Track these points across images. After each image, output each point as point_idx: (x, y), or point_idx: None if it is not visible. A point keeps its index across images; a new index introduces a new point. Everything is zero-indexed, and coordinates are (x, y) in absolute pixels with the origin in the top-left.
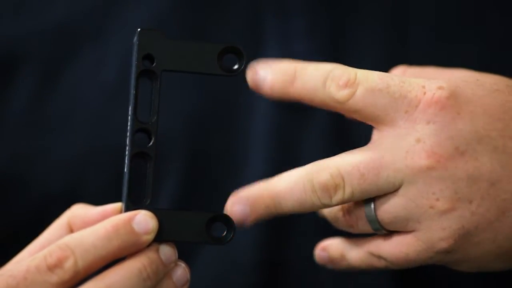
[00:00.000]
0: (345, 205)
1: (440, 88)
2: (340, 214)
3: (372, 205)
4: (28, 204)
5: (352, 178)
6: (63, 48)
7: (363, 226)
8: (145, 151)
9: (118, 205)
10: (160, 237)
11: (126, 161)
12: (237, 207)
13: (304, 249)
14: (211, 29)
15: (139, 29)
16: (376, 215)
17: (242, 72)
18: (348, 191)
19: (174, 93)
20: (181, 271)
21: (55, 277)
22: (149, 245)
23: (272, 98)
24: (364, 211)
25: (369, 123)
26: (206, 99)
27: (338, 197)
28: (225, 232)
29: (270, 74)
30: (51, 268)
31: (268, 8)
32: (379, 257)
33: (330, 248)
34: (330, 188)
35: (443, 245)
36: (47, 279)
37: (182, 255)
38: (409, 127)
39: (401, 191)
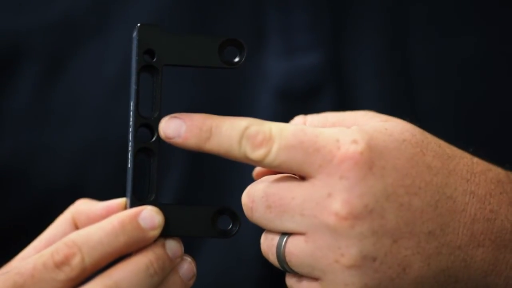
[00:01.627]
0: (266, 233)
1: (354, 142)
2: (263, 240)
3: (284, 240)
4: (31, 198)
5: (259, 203)
6: (66, 42)
7: (273, 261)
8: (149, 146)
9: (122, 200)
10: (166, 232)
11: (129, 156)
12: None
13: None
14: (212, 23)
15: (138, 24)
16: (284, 254)
17: (243, 64)
18: (255, 214)
19: (175, 86)
20: (188, 266)
21: (62, 275)
22: (155, 241)
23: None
24: (273, 244)
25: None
26: (207, 91)
27: (250, 216)
28: (230, 225)
29: (184, 130)
30: (58, 265)
31: (269, 1)
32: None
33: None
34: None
35: None
36: (54, 277)
37: (187, 249)
38: (323, 181)
39: (310, 238)
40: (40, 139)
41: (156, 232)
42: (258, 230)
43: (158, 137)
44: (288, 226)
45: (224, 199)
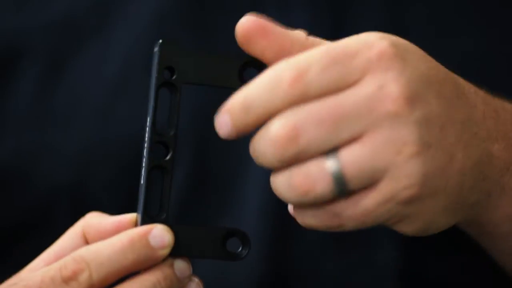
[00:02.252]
0: (300, 165)
1: (381, 38)
2: (295, 178)
3: (337, 158)
4: (33, 198)
5: (307, 124)
6: (66, 42)
7: (323, 189)
8: (163, 164)
9: (133, 216)
10: (175, 252)
11: (143, 173)
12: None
13: (309, 242)
14: (212, 23)
15: (160, 41)
16: (340, 169)
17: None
18: (304, 139)
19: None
20: (195, 287)
21: None
22: (164, 260)
23: None
24: (324, 167)
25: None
26: (214, 92)
27: (295, 146)
28: (240, 248)
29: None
30: (66, 280)
31: (269, 1)
32: (334, 214)
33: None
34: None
35: (406, 194)
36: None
37: None
38: (370, 78)
39: (366, 140)
40: (41, 139)
41: (165, 251)
42: (258, 231)
43: (173, 155)
44: (345, 135)
45: (228, 199)
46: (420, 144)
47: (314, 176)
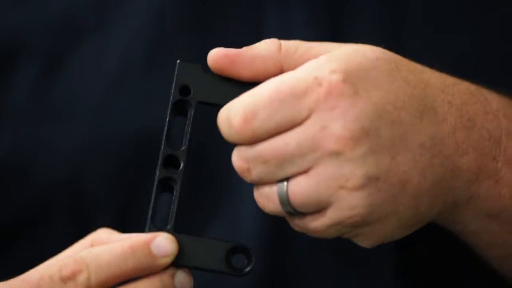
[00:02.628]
0: (259, 186)
1: (332, 72)
2: (255, 194)
3: (285, 185)
4: (31, 196)
5: (254, 163)
6: (65, 39)
7: (275, 208)
8: (173, 176)
9: (141, 235)
10: (178, 262)
11: (154, 185)
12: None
13: (306, 241)
14: (211, 21)
15: (178, 61)
16: (288, 196)
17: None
18: (254, 173)
19: None
20: None
21: None
22: (165, 269)
23: None
24: (274, 191)
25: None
26: None
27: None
28: (245, 263)
29: None
30: (64, 279)
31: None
32: (296, 225)
33: None
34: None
35: (352, 221)
36: None
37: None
38: (315, 118)
39: (311, 173)
40: (39, 136)
41: (167, 260)
42: (256, 229)
43: (183, 169)
44: (289, 171)
45: (223, 196)
46: (364, 179)
47: (266, 196)
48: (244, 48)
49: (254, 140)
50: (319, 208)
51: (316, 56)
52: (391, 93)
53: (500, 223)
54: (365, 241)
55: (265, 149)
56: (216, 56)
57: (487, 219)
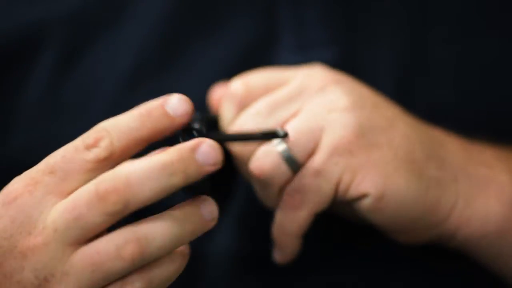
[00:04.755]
0: (255, 158)
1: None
2: (251, 164)
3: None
4: None
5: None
6: (79, 36)
7: (273, 164)
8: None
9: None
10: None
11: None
12: None
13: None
14: (226, 19)
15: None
16: (284, 145)
17: None
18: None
19: (192, 84)
20: (210, 207)
21: (91, 155)
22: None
23: None
24: (271, 145)
25: None
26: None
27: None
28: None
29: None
30: (88, 147)
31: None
32: (294, 191)
33: None
34: None
35: (345, 141)
36: (83, 157)
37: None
38: (298, 73)
39: (300, 113)
40: (51, 133)
41: (183, 120)
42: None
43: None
44: (281, 116)
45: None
46: (349, 101)
47: (264, 156)
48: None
49: (250, 98)
50: (314, 141)
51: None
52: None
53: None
54: (366, 178)
55: (257, 103)
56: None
57: (503, 220)
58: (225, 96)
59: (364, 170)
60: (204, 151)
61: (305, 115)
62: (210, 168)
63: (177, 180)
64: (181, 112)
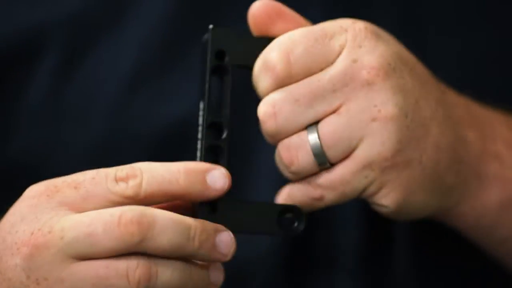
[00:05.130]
0: (285, 139)
1: (354, 22)
2: (280, 150)
3: (315, 129)
4: None
5: (284, 103)
6: (81, 38)
7: (304, 160)
8: (219, 144)
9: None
10: (232, 228)
11: (198, 154)
12: None
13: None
14: (227, 19)
15: (211, 26)
16: (320, 139)
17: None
18: (280, 117)
19: (188, 78)
20: (218, 273)
21: (117, 187)
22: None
23: None
24: (304, 139)
25: None
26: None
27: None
28: (296, 223)
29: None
30: (118, 179)
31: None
32: (317, 185)
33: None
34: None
35: (381, 159)
36: (110, 186)
37: None
38: (344, 55)
39: (342, 111)
40: (53, 135)
41: (217, 193)
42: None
43: (228, 134)
44: (321, 109)
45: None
46: (396, 110)
47: (296, 148)
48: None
49: (289, 77)
50: (350, 148)
51: None
52: (405, 51)
53: None
54: (390, 196)
55: (297, 87)
56: (262, 7)
57: (500, 209)
58: (262, 65)
59: (390, 186)
60: (224, 240)
61: (347, 117)
62: (219, 257)
63: (190, 247)
64: (219, 187)
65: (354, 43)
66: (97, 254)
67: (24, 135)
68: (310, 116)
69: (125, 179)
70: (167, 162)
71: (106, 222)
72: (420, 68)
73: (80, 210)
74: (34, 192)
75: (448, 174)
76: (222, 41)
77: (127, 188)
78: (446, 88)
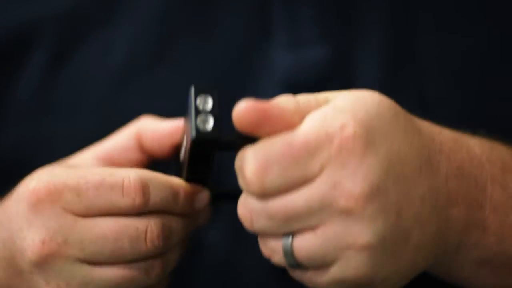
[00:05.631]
0: (264, 237)
1: (342, 127)
2: (260, 244)
3: (290, 239)
4: None
5: (259, 215)
6: (72, 33)
7: (279, 260)
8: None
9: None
10: None
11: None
12: None
13: None
14: (219, 17)
15: (193, 86)
16: (292, 251)
17: None
18: (256, 226)
19: (181, 78)
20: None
21: (121, 203)
22: None
23: None
24: (279, 244)
25: None
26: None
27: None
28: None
29: None
30: (125, 195)
31: None
32: (298, 276)
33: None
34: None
35: (354, 280)
36: (114, 201)
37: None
38: (326, 175)
39: (318, 231)
40: (43, 130)
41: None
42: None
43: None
44: (295, 227)
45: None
46: (373, 238)
47: (271, 249)
48: (270, 104)
49: (263, 195)
50: (324, 265)
51: (320, 106)
52: (394, 143)
53: (490, 268)
54: None
55: (273, 206)
56: (245, 111)
57: (476, 266)
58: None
59: None
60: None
61: (322, 239)
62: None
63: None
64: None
65: (337, 161)
66: (119, 261)
67: (13, 129)
68: (285, 230)
69: (132, 195)
70: (170, 176)
71: (132, 237)
72: (412, 161)
73: (85, 216)
74: (33, 192)
75: (426, 262)
76: (206, 145)
77: (134, 207)
78: (440, 158)
